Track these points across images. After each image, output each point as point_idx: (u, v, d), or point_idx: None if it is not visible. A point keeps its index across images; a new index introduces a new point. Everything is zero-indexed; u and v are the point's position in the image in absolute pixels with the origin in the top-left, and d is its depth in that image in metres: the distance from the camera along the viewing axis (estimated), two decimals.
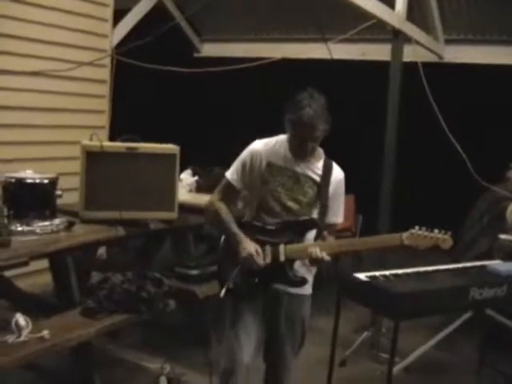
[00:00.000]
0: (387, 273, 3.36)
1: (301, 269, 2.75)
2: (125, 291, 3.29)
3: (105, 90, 5.27)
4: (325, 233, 2.68)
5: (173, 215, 3.69)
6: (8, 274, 3.75)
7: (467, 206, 5.49)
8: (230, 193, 2.82)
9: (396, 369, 3.38)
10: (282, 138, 2.74)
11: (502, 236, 4.24)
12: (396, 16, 4.47)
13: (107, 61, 5.21)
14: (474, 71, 6.19)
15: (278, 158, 2.72)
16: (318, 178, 2.72)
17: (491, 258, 4.20)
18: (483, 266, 3.66)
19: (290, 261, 2.69)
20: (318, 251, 2.57)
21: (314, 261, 2.60)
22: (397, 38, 4.50)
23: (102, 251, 4.48)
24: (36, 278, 4.21)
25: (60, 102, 4.84)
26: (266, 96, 6.58)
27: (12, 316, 2.86)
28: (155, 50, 5.26)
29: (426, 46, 5.55)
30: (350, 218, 5.92)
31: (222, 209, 2.79)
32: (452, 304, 3.36)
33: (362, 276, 3.32)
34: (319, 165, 2.75)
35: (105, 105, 5.29)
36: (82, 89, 5.01)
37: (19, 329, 2.81)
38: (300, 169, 2.71)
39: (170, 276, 3.76)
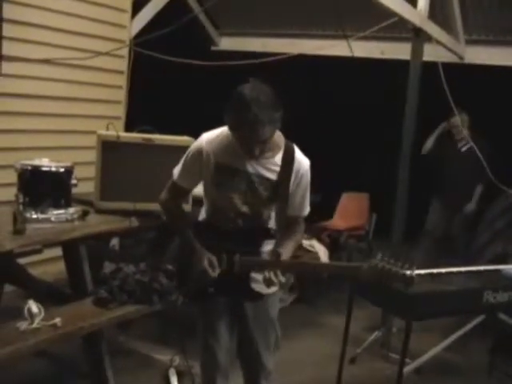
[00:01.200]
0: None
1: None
2: (137, 282, 3.30)
3: (122, 80, 5.28)
4: (280, 250, 2.37)
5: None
6: (22, 261, 3.77)
7: (484, 208, 5.47)
8: (179, 193, 2.58)
9: (406, 369, 3.36)
10: None
11: None
12: (418, 14, 4.42)
13: (125, 51, 5.22)
14: (495, 73, 6.12)
15: (228, 156, 2.38)
16: (273, 177, 2.38)
17: (505, 262, 4.17)
18: (497, 270, 3.64)
19: (246, 272, 2.45)
20: (271, 272, 2.29)
21: (269, 281, 2.31)
22: (418, 36, 4.45)
23: (114, 242, 4.49)
24: (49, 266, 4.23)
25: (77, 91, 4.86)
26: (282, 91, 6.55)
27: (25, 303, 2.87)
28: (173, 41, 5.24)
29: (446, 46, 5.48)
30: (364, 217, 5.89)
31: (174, 212, 2.60)
32: (465, 306, 3.35)
33: None
34: (277, 158, 2.39)
35: (121, 95, 5.31)
36: (99, 79, 5.03)
37: (31, 316, 2.83)
38: (252, 168, 2.38)
39: None
